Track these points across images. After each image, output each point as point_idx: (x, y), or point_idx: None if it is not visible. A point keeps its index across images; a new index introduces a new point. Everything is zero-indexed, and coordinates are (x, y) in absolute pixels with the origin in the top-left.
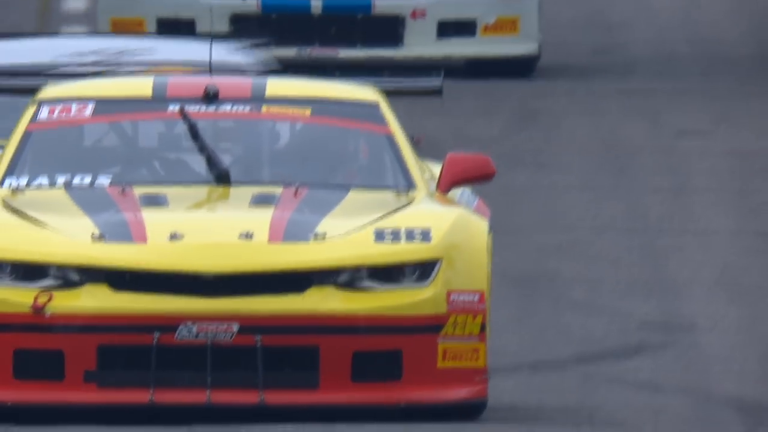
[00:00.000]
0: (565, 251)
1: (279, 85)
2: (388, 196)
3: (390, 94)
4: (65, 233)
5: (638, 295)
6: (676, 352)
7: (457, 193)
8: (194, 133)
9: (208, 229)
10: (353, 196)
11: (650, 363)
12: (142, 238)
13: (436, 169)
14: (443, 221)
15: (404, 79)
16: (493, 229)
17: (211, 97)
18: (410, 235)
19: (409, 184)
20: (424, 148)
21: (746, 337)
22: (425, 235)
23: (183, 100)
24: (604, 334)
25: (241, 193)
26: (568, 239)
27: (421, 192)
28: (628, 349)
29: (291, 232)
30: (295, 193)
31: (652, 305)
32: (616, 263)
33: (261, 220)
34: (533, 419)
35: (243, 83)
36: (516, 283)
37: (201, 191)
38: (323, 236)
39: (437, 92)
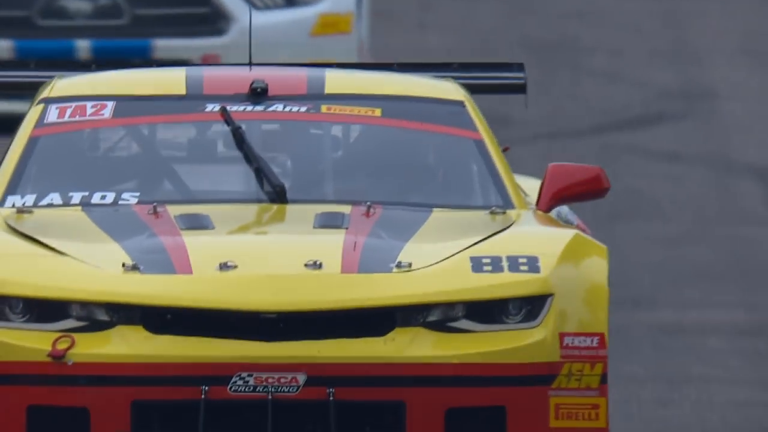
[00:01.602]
0: (586, 18)
1: (341, 79)
2: (480, 217)
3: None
4: (89, 263)
5: (659, 63)
6: (696, 121)
7: (553, 214)
8: (239, 138)
9: (265, 257)
10: (438, 217)
11: (670, 132)
12: (186, 268)
13: (523, 182)
14: (554, 246)
15: (484, 73)
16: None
17: (258, 93)
18: (514, 264)
19: (506, 202)
20: None
21: None
22: (533, 264)
23: (224, 98)
24: (624, 104)
25: (301, 213)
26: (590, 5)
27: (519, 211)
28: (648, 118)
29: (368, 261)
30: (367, 213)
31: (673, 73)
32: (638, 31)
33: (331, 246)
34: None
35: (297, 77)
36: (535, 51)
37: (250, 211)
38: (408, 266)
39: (521, 88)
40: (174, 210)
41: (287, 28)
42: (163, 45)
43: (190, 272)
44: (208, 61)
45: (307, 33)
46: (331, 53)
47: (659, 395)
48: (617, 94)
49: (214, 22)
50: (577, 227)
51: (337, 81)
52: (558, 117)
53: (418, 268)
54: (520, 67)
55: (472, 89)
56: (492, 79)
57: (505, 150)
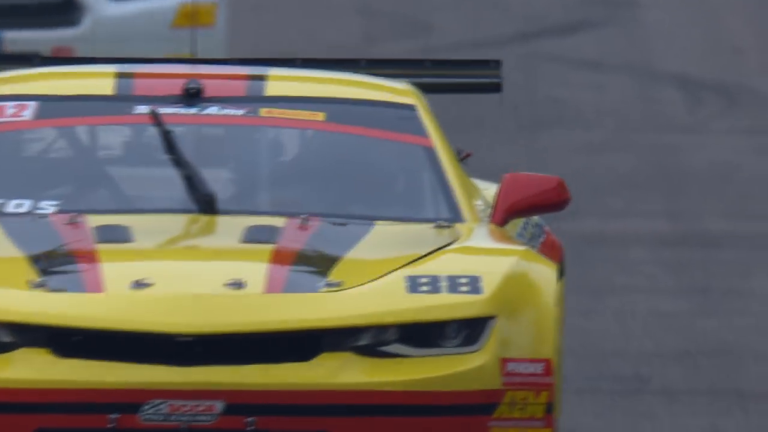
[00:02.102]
0: None
1: (283, 81)
2: (426, 231)
3: (430, 90)
4: None
5: None
6: (618, 29)
7: (518, 224)
8: (169, 144)
9: (185, 276)
10: (379, 231)
11: (592, 40)
12: (97, 286)
13: (489, 190)
14: (498, 265)
15: (452, 71)
16: (565, 273)
17: (192, 95)
18: (454, 285)
19: (455, 215)
20: None
21: (691, 13)
22: (474, 285)
23: (155, 100)
24: (546, 11)
25: (231, 225)
26: None
27: (470, 225)
28: (570, 26)
29: (295, 280)
30: (303, 227)
31: None
32: None
33: (256, 264)
34: None
35: (235, 78)
36: None
37: (176, 222)
38: (338, 285)
39: (495, 87)
40: (93, 220)
41: (145, 19)
42: (13, 37)
43: (101, 290)
44: (60, 54)
45: (167, 25)
46: (195, 47)
47: (582, 306)
48: (538, 2)
49: (67, 12)
50: (545, 243)
51: (279, 82)
52: (480, 25)
53: (349, 288)
54: (496, 64)
55: (443, 89)
56: (465, 77)
57: (465, 157)
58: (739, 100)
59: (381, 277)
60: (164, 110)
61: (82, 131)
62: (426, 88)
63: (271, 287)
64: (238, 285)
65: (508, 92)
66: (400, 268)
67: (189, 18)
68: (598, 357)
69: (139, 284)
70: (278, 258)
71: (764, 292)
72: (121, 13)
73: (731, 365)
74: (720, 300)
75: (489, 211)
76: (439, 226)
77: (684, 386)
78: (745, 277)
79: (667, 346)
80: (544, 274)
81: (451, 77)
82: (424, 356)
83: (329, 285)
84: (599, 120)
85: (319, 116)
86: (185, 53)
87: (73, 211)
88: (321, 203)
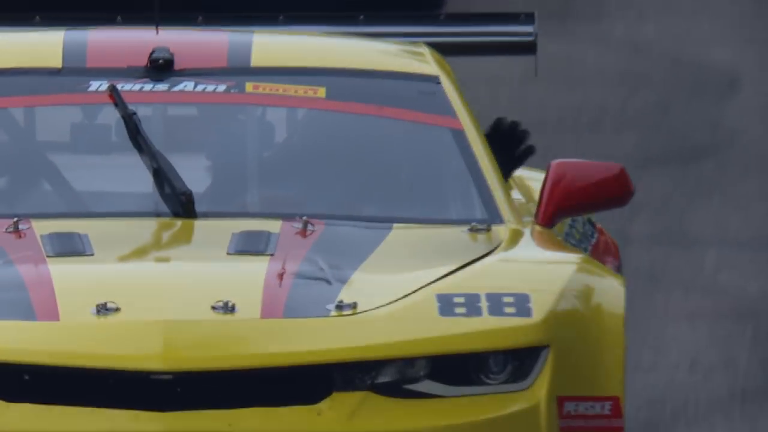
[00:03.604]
0: None
1: (272, 48)
2: (456, 236)
3: (445, 52)
4: None
5: None
6: None
7: (565, 222)
8: (133, 129)
9: (160, 297)
10: (398, 236)
11: None
12: (51, 312)
13: (529, 180)
14: (551, 280)
15: (473, 28)
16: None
17: (161, 66)
18: (497, 305)
19: (491, 214)
20: None
21: None
22: (522, 305)
23: (114, 73)
24: None
25: (213, 232)
26: None
27: (511, 227)
28: None
29: (298, 302)
30: (302, 232)
31: None
32: None
33: (249, 280)
34: None
35: (214, 43)
36: None
37: (144, 229)
38: (351, 307)
39: (530, 47)
40: (42, 227)
41: None
42: None
43: (56, 318)
44: None
45: None
46: None
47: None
48: None
49: None
50: (596, 244)
51: (267, 49)
52: None
53: (366, 311)
54: (529, 18)
55: (463, 49)
56: (490, 36)
57: (527, 151)
58: None
59: (405, 296)
60: (125, 87)
61: (20, 114)
62: (441, 50)
63: (269, 311)
64: (226, 308)
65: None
66: (428, 284)
67: None
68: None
69: (102, 309)
70: (275, 273)
71: None
72: None
73: None
74: None
75: (531, 207)
76: (474, 230)
77: None
78: None
79: None
80: (609, 289)
81: (471, 36)
82: (460, 396)
83: (340, 307)
84: None
85: (319, 92)
86: None
87: (13, 215)
88: (324, 202)
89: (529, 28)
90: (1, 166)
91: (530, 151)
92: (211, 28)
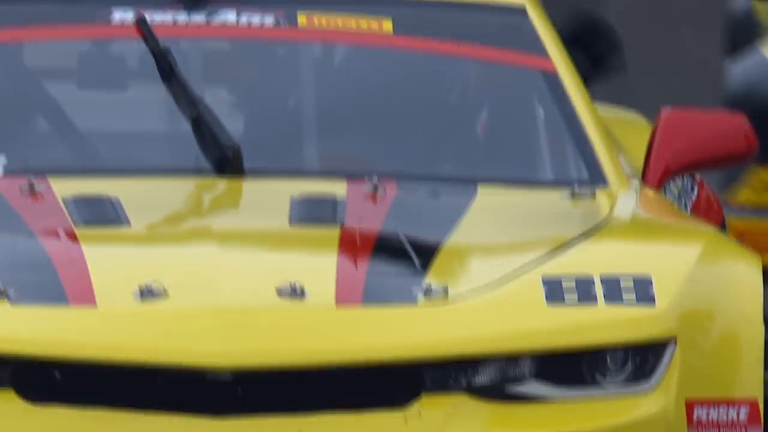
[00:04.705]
0: None
1: None
2: (555, 202)
3: None
4: None
5: None
6: None
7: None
8: (167, 69)
9: (212, 278)
10: (486, 202)
11: None
12: (86, 295)
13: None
14: (677, 259)
15: None
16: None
17: None
18: (614, 291)
19: (594, 174)
20: None
21: None
22: (644, 291)
23: (141, 1)
24: None
25: (268, 195)
26: None
27: (619, 190)
28: None
29: (379, 285)
30: (373, 196)
31: None
32: None
33: (319, 257)
34: None
35: None
36: None
37: (184, 190)
38: (443, 292)
39: None
40: (63, 188)
41: None
42: None
43: (93, 302)
44: None
45: None
46: None
47: None
48: None
49: None
50: (695, 203)
51: None
52: None
53: (460, 297)
54: None
55: None
56: None
57: (621, 66)
58: None
59: (505, 279)
60: (155, 18)
61: (31, 50)
62: None
63: (345, 296)
64: (295, 293)
65: None
66: (530, 264)
67: None
68: None
69: (146, 293)
70: (348, 248)
71: None
72: None
73: None
74: None
75: (634, 165)
76: (576, 195)
77: None
78: None
79: None
80: (743, 271)
81: None
82: (573, 399)
83: (430, 292)
84: None
85: (385, 25)
86: None
87: (27, 172)
88: (394, 158)
89: None
90: (10, 110)
91: (621, 65)
92: None
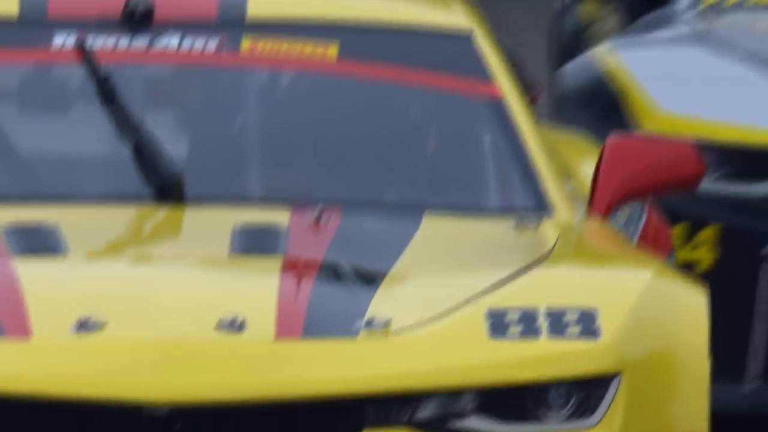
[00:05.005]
0: None
1: None
2: (501, 232)
3: None
4: None
5: None
6: None
7: None
8: (108, 95)
9: (151, 310)
10: (431, 231)
11: None
12: (20, 327)
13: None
14: (622, 291)
15: None
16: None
17: (139, 19)
18: (558, 324)
19: (539, 202)
20: None
21: None
22: (588, 324)
23: (83, 26)
24: None
25: (210, 224)
26: None
27: (563, 219)
28: None
29: (319, 318)
30: (316, 225)
31: None
32: None
33: (259, 290)
34: None
35: None
36: None
37: (124, 219)
38: (384, 325)
39: None
40: (1, 215)
41: None
42: None
43: (28, 334)
44: None
45: None
46: None
47: None
48: None
49: None
50: (643, 230)
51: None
52: None
53: (402, 330)
54: None
55: None
56: None
57: (533, 98)
58: None
59: (448, 312)
60: (97, 42)
61: None
62: None
63: (285, 329)
64: (233, 326)
65: None
66: (475, 297)
67: None
68: None
69: (83, 326)
70: (290, 280)
71: None
72: None
73: None
74: None
75: (578, 190)
76: (521, 224)
77: None
78: None
79: None
80: (690, 301)
81: None
82: None
83: (371, 325)
84: None
85: (331, 51)
86: None
87: None
88: (339, 186)
89: None
90: None
91: (533, 95)
92: None
